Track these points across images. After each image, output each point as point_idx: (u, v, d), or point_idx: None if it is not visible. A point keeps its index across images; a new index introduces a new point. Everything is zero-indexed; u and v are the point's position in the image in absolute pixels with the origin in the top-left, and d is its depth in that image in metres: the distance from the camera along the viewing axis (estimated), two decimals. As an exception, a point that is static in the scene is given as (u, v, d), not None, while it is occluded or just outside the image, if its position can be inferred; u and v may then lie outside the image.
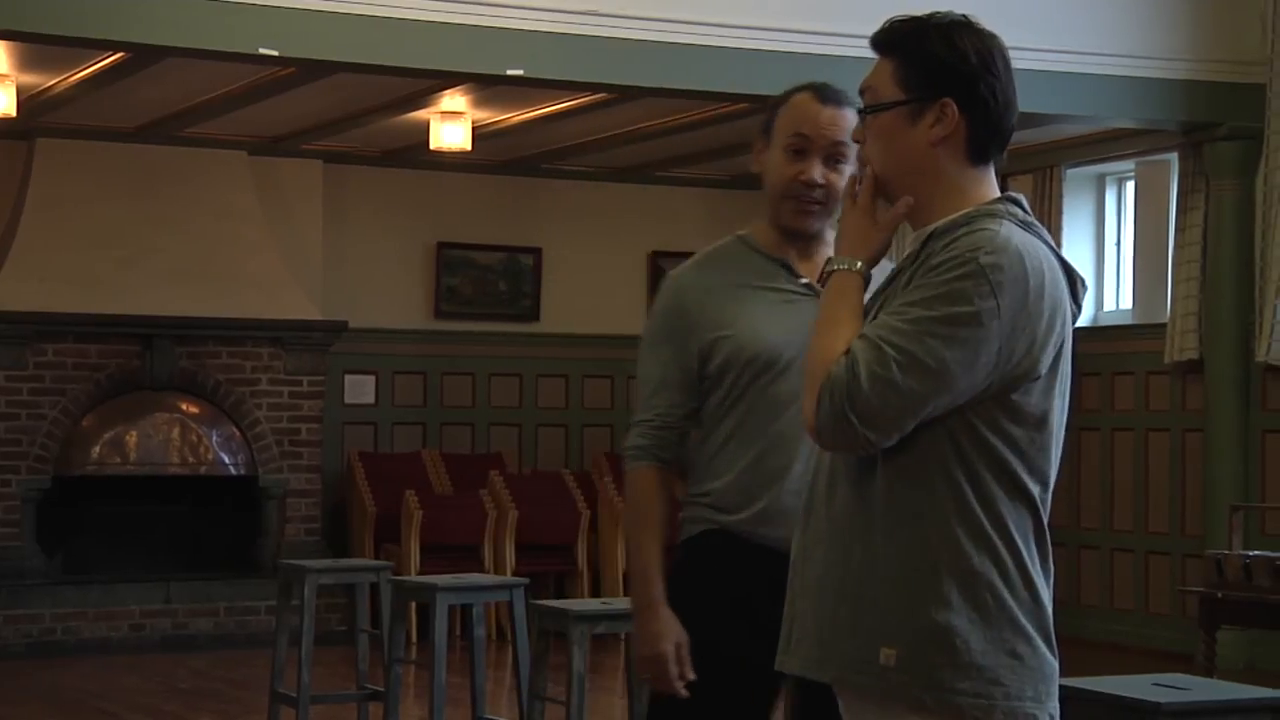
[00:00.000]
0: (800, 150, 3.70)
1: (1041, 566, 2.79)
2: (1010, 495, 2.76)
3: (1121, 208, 12.54)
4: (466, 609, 7.98)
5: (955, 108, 2.81)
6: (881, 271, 2.96)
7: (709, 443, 3.75)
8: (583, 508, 12.21)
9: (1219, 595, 8.40)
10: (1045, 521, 2.81)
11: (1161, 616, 11.52)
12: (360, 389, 13.02)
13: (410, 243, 13.14)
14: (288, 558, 9.85)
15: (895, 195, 2.87)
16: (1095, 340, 11.63)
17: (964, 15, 2.87)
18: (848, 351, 2.74)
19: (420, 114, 11.16)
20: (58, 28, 8.52)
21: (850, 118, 3.61)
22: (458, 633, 11.23)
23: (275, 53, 8.84)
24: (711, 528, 3.72)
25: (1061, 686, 2.84)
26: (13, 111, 10.23)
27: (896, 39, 2.86)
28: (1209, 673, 7.96)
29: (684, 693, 3.66)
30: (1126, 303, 12.37)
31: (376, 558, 11.76)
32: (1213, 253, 11.00)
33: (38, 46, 9.26)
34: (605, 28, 9.27)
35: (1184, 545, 11.32)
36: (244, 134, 12.00)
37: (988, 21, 2.89)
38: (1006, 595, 2.74)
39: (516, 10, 9.10)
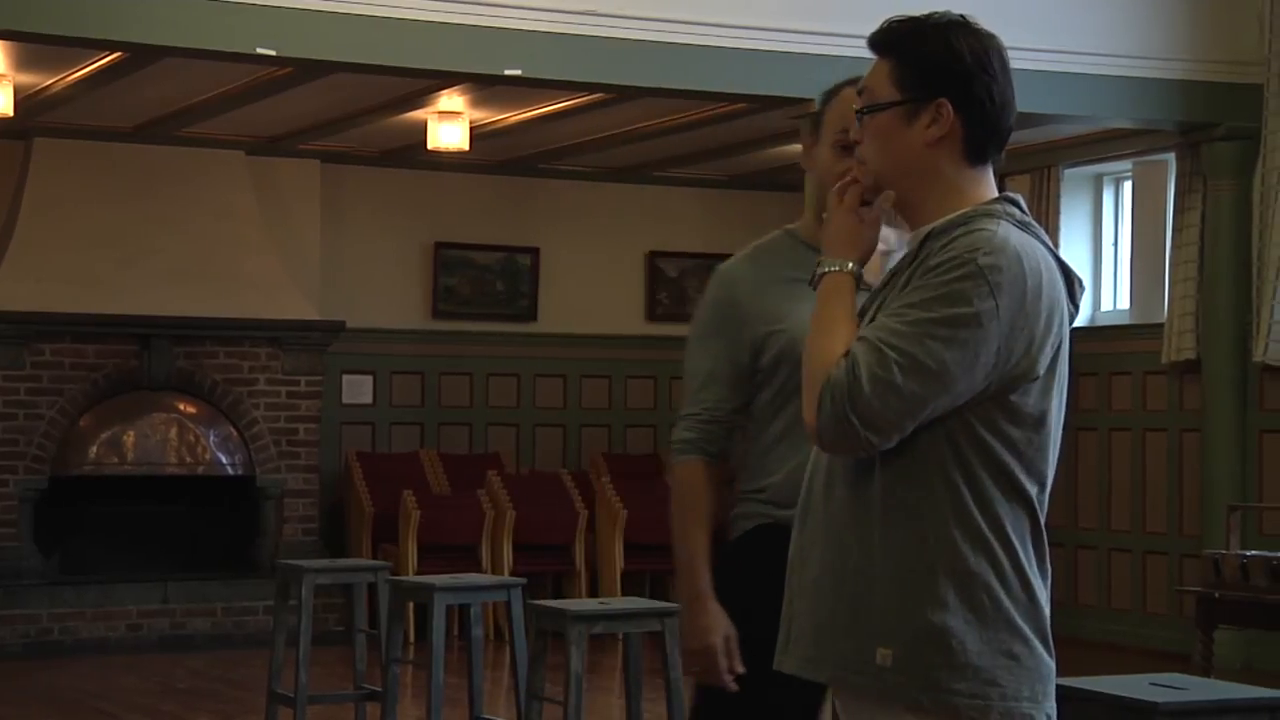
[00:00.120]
0: (849, 146, 3.69)
1: (1039, 567, 2.79)
2: (1007, 496, 2.76)
3: (1119, 208, 12.54)
4: (464, 609, 7.98)
5: (950, 108, 2.81)
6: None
7: (760, 441, 3.72)
8: (580, 508, 12.21)
9: (1216, 595, 8.40)
10: (1043, 522, 2.81)
11: (1159, 616, 11.52)
12: (358, 389, 13.01)
13: (408, 242, 13.14)
14: (285, 558, 9.84)
15: (895, 195, 2.87)
16: (1093, 340, 11.63)
17: (962, 16, 2.87)
18: (847, 354, 2.74)
19: (418, 114, 11.16)
20: (55, 27, 8.52)
21: None
22: (455, 633, 11.24)
23: (273, 52, 8.84)
24: (766, 522, 3.70)
25: (1059, 686, 2.84)
26: (10, 111, 10.22)
27: (893, 39, 2.86)
28: (1206, 672, 7.96)
29: (733, 686, 3.64)
30: (1124, 303, 12.37)
31: (374, 558, 11.75)
32: (1210, 253, 11.01)
33: (35, 46, 9.26)
34: (603, 28, 9.27)
35: (1181, 545, 11.32)
36: (242, 134, 12.00)
37: (985, 21, 2.89)
38: (1003, 596, 2.74)
39: (514, 10, 9.09)
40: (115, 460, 11.80)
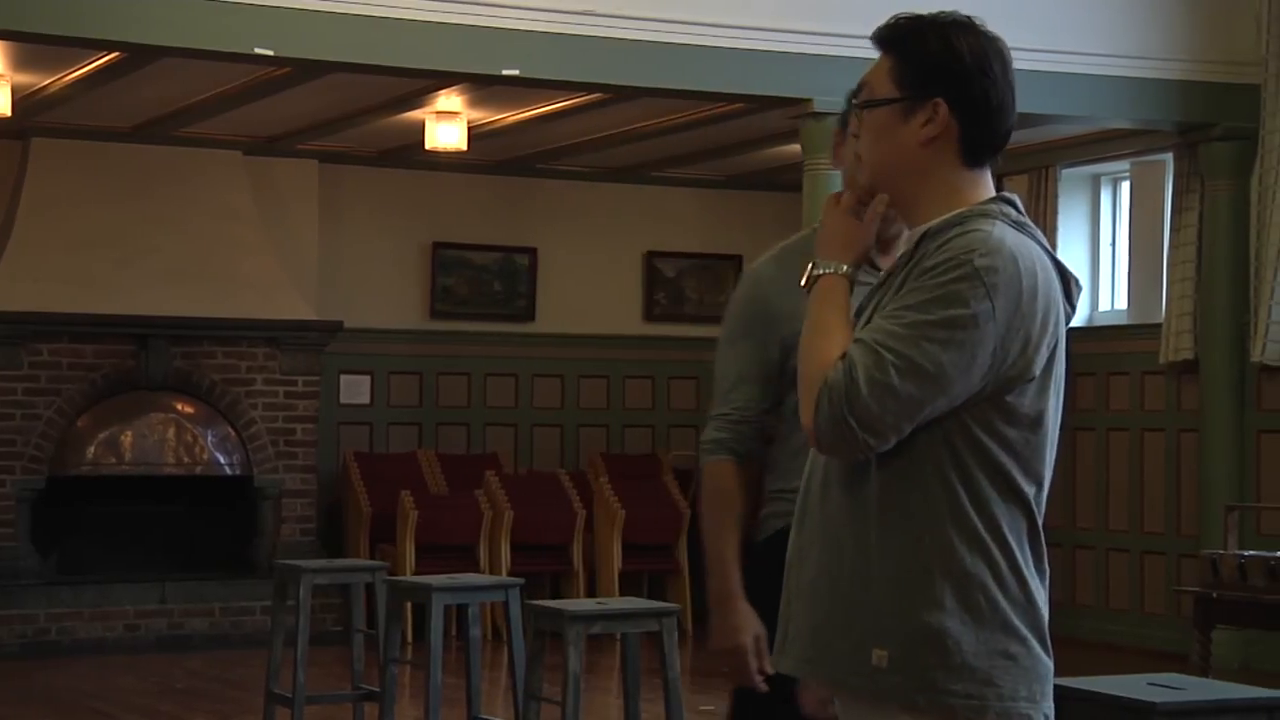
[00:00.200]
0: None
1: (1036, 567, 2.79)
2: (1004, 497, 2.76)
3: (1116, 208, 12.55)
4: (462, 609, 7.98)
5: (946, 108, 2.79)
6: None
7: (790, 442, 3.70)
8: (578, 508, 12.21)
9: (1214, 595, 8.40)
10: (1040, 522, 2.81)
11: (1157, 616, 11.53)
12: (355, 389, 13.01)
13: (405, 242, 13.14)
14: (283, 558, 9.84)
15: (890, 194, 2.87)
16: (1090, 340, 11.63)
17: (968, 16, 2.85)
18: (844, 356, 2.73)
19: (415, 114, 11.15)
20: (53, 27, 8.52)
21: None
22: (453, 633, 11.24)
23: (270, 52, 8.84)
24: None
25: (1056, 686, 2.84)
26: (8, 111, 10.22)
27: (896, 36, 2.85)
28: (1204, 672, 7.96)
29: (763, 686, 3.64)
30: (1121, 303, 12.38)
31: (372, 558, 11.75)
32: (1208, 253, 11.01)
33: (33, 46, 9.26)
34: (601, 28, 9.27)
35: (1179, 545, 11.32)
36: (239, 134, 12.00)
37: (983, 20, 2.88)
38: (999, 596, 2.74)
39: (512, 10, 9.10)
40: (113, 460, 11.80)
